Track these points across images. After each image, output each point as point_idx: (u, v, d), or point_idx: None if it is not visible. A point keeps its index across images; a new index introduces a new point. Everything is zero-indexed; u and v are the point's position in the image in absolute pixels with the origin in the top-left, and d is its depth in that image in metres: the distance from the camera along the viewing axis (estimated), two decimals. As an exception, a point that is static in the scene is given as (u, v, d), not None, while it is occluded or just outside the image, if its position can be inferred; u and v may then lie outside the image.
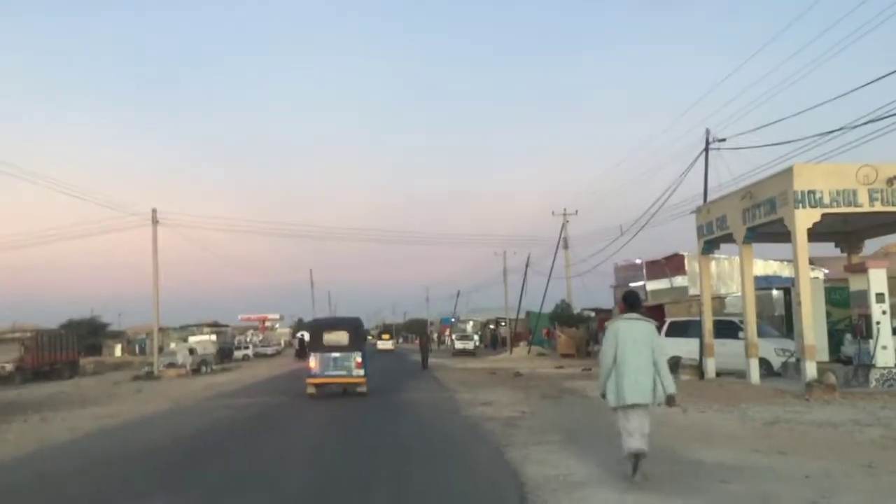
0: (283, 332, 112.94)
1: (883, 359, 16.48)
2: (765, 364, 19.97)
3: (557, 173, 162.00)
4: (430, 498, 7.80)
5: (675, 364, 22.67)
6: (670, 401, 7.71)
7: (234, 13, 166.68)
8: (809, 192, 16.62)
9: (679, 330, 24.12)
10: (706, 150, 24.83)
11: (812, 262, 26.53)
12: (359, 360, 20.41)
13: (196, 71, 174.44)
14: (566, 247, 52.15)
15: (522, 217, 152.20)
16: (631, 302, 8.22)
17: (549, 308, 53.54)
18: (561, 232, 51.96)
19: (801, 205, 16.63)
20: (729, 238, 20.74)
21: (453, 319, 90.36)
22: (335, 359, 20.36)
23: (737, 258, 23.27)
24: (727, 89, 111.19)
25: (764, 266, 36.11)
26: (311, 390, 20.43)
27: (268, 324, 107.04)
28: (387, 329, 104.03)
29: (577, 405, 16.50)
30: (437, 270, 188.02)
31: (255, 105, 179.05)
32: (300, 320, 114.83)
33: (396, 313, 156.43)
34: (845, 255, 21.75)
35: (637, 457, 7.67)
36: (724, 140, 24.84)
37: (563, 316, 50.25)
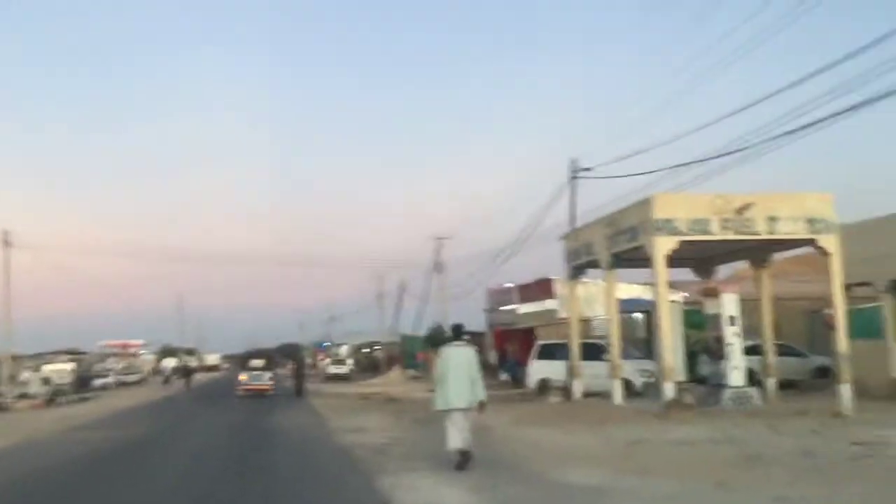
0: (147, 359, 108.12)
1: (735, 378, 17.45)
2: (628, 384, 20.71)
3: (435, 197, 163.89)
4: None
5: (543, 386, 23.26)
6: (481, 406, 10.31)
7: (116, 12, 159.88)
8: (667, 220, 17.22)
9: (548, 353, 24.73)
10: (571, 179, 25.70)
11: (673, 285, 27.83)
12: (269, 376, 34.46)
13: (59, 80, 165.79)
14: (440, 271, 52.69)
15: (399, 241, 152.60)
16: (456, 332, 11.18)
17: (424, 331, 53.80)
18: (435, 256, 52.49)
19: (660, 233, 17.22)
20: (595, 263, 21.38)
21: (328, 343, 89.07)
22: (256, 375, 33.78)
23: (603, 282, 24.10)
24: (596, 114, 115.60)
25: (627, 289, 37.52)
26: (240, 393, 33.02)
27: (132, 350, 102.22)
28: (260, 353, 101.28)
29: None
30: (310, 294, 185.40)
31: (119, 122, 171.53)
32: (165, 346, 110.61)
33: (269, 338, 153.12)
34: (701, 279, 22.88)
35: (464, 454, 10.06)
36: (588, 169, 25.79)
37: (437, 339, 50.52)
